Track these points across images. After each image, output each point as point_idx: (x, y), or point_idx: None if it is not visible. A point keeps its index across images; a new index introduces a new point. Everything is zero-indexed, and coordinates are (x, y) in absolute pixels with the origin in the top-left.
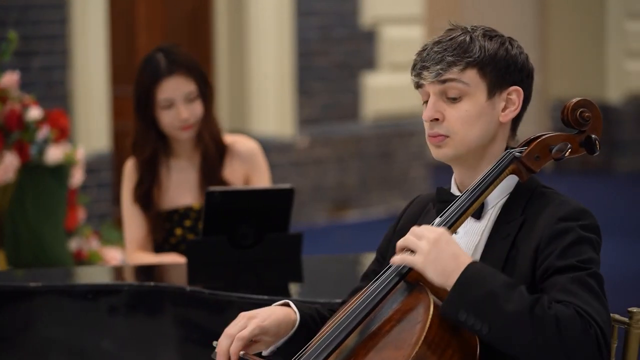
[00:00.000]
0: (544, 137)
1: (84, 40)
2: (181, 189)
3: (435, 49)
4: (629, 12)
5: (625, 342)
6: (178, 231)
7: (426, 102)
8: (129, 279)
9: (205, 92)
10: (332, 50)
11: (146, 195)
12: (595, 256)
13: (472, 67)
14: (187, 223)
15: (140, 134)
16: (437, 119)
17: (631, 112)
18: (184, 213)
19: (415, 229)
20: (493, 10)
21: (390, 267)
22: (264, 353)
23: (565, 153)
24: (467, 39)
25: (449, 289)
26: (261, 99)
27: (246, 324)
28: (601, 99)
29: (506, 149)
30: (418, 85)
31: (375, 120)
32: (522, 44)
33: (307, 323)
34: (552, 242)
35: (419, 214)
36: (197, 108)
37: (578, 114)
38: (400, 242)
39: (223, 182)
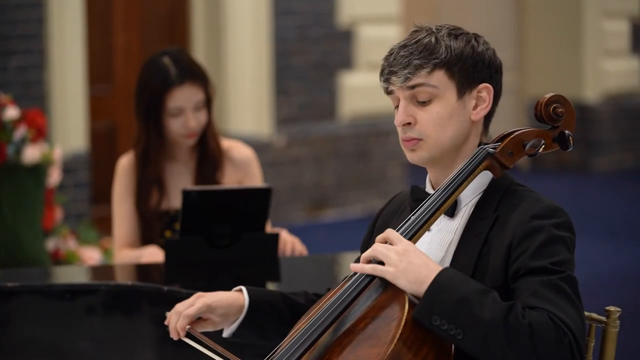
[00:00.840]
0: (517, 133)
1: (61, 40)
2: (175, 192)
3: (402, 53)
4: (605, 12)
5: (602, 340)
6: (167, 233)
7: (397, 106)
8: (107, 278)
9: (211, 98)
10: (309, 50)
11: (146, 199)
12: (569, 256)
13: (440, 68)
14: (177, 226)
15: (153, 143)
16: (409, 123)
17: (608, 111)
18: (175, 216)
19: (380, 239)
20: (470, 9)
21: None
22: (224, 335)
23: (539, 149)
24: (433, 40)
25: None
26: (238, 99)
27: (194, 301)
28: (578, 98)
29: (479, 145)
30: (388, 92)
31: (353, 120)
32: (499, 43)
33: (261, 308)
34: (524, 240)
35: (395, 213)
36: (204, 116)
37: (551, 109)
38: (367, 253)
39: None
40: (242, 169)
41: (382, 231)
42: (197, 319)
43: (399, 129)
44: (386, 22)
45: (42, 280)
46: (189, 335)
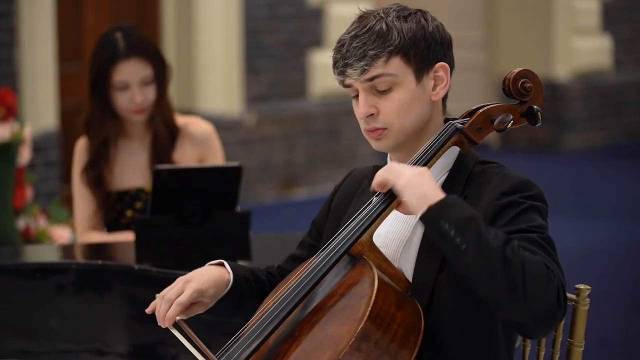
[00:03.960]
0: (485, 108)
1: (31, 18)
2: (132, 170)
3: (355, 44)
4: None
5: (572, 319)
6: (129, 213)
7: (356, 96)
8: (77, 257)
9: (161, 75)
10: (280, 29)
11: (97, 176)
12: (544, 223)
13: (395, 55)
14: (138, 205)
15: (96, 115)
16: (372, 114)
17: (578, 89)
18: (135, 195)
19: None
20: None
21: (331, 243)
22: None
23: (508, 124)
24: (383, 26)
25: (422, 211)
26: (209, 77)
27: (183, 288)
28: (549, 76)
29: (446, 121)
30: (345, 85)
31: (323, 98)
32: (469, 21)
33: (241, 284)
34: (497, 218)
35: (355, 191)
36: (151, 92)
37: (519, 84)
38: (380, 174)
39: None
40: (202, 145)
41: (340, 209)
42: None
43: (361, 121)
44: (357, 0)
45: (13, 260)
46: (177, 326)
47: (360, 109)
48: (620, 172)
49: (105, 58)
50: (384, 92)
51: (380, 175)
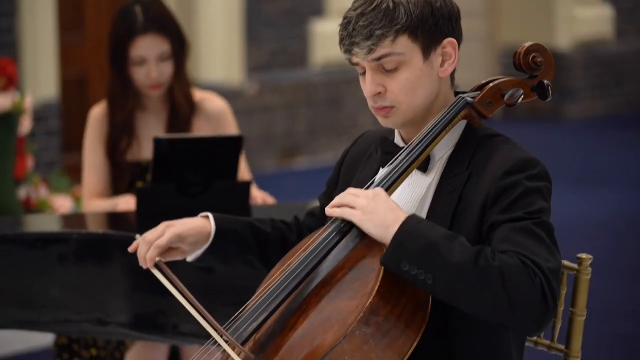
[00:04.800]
0: (496, 82)
1: None
2: (146, 143)
3: (361, 23)
4: None
5: (574, 288)
6: (139, 184)
7: (363, 73)
8: (78, 227)
9: (179, 51)
10: None
11: (116, 148)
12: (544, 205)
13: (403, 34)
14: (149, 177)
15: (118, 90)
16: (379, 93)
17: (580, 58)
18: (147, 167)
19: (351, 189)
20: None
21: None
22: (188, 259)
23: (518, 99)
24: (390, 4)
25: (388, 242)
26: (210, 46)
27: (164, 231)
28: (550, 45)
29: (456, 94)
30: (351, 62)
31: (324, 67)
32: None
33: (226, 236)
34: (499, 198)
35: (362, 156)
36: (168, 68)
37: (530, 58)
38: (337, 199)
39: None
40: (216, 121)
41: (349, 174)
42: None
43: (369, 99)
44: None
45: (14, 229)
46: (157, 267)
47: (367, 87)
48: (622, 142)
49: (123, 33)
50: (391, 71)
51: (335, 203)
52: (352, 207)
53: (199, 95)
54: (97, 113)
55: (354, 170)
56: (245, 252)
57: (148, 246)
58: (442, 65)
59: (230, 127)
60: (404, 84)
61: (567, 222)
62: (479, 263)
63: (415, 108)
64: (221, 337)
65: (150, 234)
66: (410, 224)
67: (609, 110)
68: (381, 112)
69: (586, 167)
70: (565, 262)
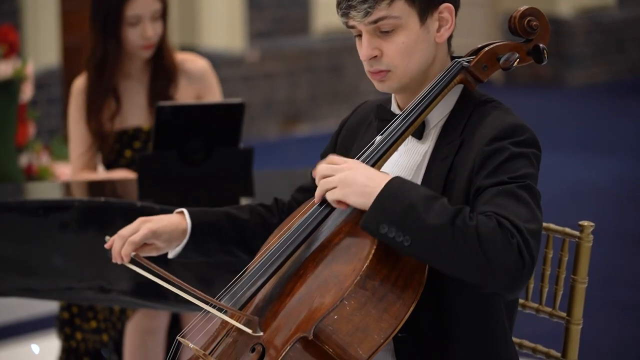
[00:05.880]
0: (491, 46)
1: None
2: (130, 109)
3: None
4: None
5: (576, 255)
6: (127, 153)
7: (359, 35)
8: (80, 194)
9: (166, 11)
10: None
11: (97, 111)
12: (530, 170)
13: None
14: (137, 144)
15: (111, 55)
16: (375, 56)
17: (582, 24)
18: (133, 134)
19: (328, 160)
20: None
21: None
22: (169, 256)
23: (514, 62)
24: None
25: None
26: (211, 13)
27: (139, 227)
28: (552, 12)
29: (452, 58)
30: (348, 26)
31: (326, 34)
32: None
33: (203, 230)
34: (484, 163)
35: (361, 126)
36: (160, 27)
37: (525, 22)
38: (316, 171)
39: None
40: (198, 81)
41: (347, 143)
42: (141, 245)
43: (365, 63)
44: None
45: (15, 197)
46: (133, 261)
47: (363, 51)
48: (623, 108)
49: None
50: (387, 34)
51: (317, 174)
52: (332, 181)
53: (179, 56)
54: (80, 85)
55: (352, 140)
56: (225, 243)
57: (122, 241)
58: (438, 30)
59: (213, 87)
60: (400, 48)
61: (569, 188)
62: (456, 223)
63: (411, 72)
64: (216, 308)
65: (125, 230)
66: (390, 187)
67: (611, 76)
68: (377, 75)
69: (587, 133)
70: (567, 229)
